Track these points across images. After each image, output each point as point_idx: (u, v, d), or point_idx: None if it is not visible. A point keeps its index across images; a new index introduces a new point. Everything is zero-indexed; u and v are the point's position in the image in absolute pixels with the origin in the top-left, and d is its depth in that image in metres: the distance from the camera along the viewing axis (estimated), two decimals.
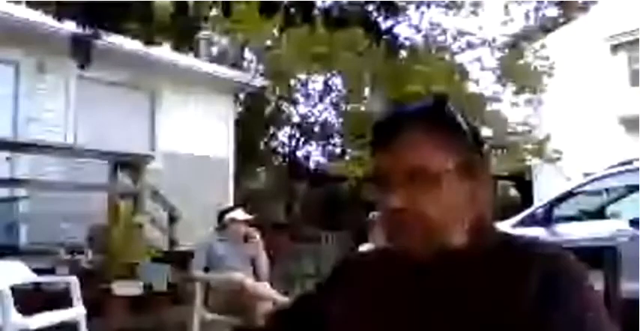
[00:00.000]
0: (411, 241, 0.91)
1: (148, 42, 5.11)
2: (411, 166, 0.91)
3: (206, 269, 4.39)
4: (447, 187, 0.91)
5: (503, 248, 0.93)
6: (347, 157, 13.73)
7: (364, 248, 4.60)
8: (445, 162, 0.91)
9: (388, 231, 0.94)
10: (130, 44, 7.13)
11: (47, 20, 4.87)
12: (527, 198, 9.72)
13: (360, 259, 1.14)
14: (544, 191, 10.60)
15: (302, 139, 18.58)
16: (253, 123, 16.86)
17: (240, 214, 4.55)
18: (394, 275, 0.97)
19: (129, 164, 6.34)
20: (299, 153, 18.81)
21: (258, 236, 4.56)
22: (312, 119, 17.96)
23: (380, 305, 0.96)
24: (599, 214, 6.02)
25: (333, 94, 16.87)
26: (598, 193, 6.68)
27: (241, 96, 13.60)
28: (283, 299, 4.24)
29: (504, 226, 4.87)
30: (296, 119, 18.32)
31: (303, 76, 16.42)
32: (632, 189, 5.72)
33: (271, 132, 18.47)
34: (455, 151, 0.92)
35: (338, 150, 18.48)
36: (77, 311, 3.87)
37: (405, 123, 0.93)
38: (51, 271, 5.00)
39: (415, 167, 0.90)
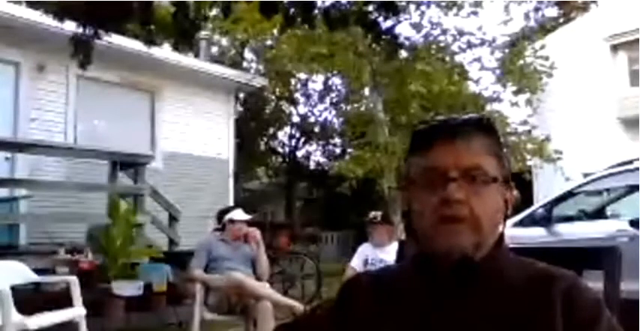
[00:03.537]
0: (459, 234, 0.91)
1: (148, 42, 5.11)
2: (471, 164, 0.94)
3: (206, 269, 4.38)
4: (493, 193, 0.95)
5: (522, 264, 0.97)
6: (347, 157, 13.71)
7: (363, 247, 4.59)
8: (496, 170, 0.96)
9: (438, 221, 0.92)
10: (130, 44, 7.14)
11: (47, 20, 4.86)
12: (527, 198, 9.72)
13: (372, 278, 1.08)
14: (544, 191, 10.59)
15: (302, 139, 18.60)
16: (253, 123, 16.89)
17: (239, 214, 4.55)
18: (419, 286, 0.97)
19: (129, 164, 6.34)
20: (299, 153, 18.84)
21: (258, 236, 4.56)
22: (312, 119, 17.98)
23: (407, 321, 0.96)
24: (599, 214, 6.01)
25: (333, 94, 16.89)
26: (598, 193, 6.68)
27: (241, 96, 13.60)
28: (282, 299, 4.24)
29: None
30: (296, 119, 18.35)
31: (303, 76, 16.42)
32: (632, 189, 5.72)
33: (271, 132, 18.49)
34: (502, 164, 0.97)
35: (338, 150, 18.50)
36: (77, 311, 3.87)
37: (464, 127, 0.97)
38: (51, 271, 5.00)
39: (474, 166, 0.94)
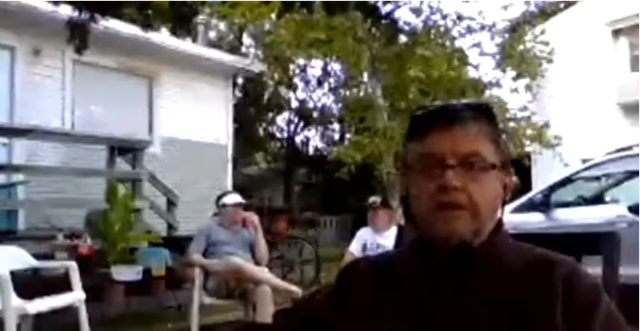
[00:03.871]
0: (457, 220, 0.91)
1: (146, 26, 5.06)
2: (469, 151, 0.93)
3: (204, 254, 4.39)
4: (492, 180, 0.94)
5: (521, 250, 0.97)
6: (346, 142, 13.70)
7: (362, 232, 4.60)
8: (494, 156, 0.95)
9: (436, 207, 0.92)
10: (128, 29, 7.08)
11: (43, 4, 4.81)
12: (526, 184, 9.74)
13: (370, 264, 1.07)
14: (543, 177, 10.60)
15: (300, 124, 18.57)
16: (252, 109, 16.85)
17: (234, 198, 4.55)
18: (418, 272, 0.97)
19: (127, 149, 6.33)
20: (298, 139, 18.83)
21: (256, 220, 4.56)
22: (311, 104, 17.94)
23: (408, 309, 0.95)
24: (597, 200, 6.02)
25: (332, 79, 16.83)
26: (597, 179, 6.68)
27: (239, 81, 13.55)
28: (281, 284, 4.26)
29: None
30: (295, 104, 18.29)
31: (301, 61, 16.33)
32: (630, 174, 5.72)
33: (270, 117, 18.45)
34: (500, 150, 0.96)
35: (337, 136, 18.48)
36: (77, 296, 3.88)
37: (464, 113, 0.96)
38: (50, 256, 5.01)
39: (472, 152, 0.93)
